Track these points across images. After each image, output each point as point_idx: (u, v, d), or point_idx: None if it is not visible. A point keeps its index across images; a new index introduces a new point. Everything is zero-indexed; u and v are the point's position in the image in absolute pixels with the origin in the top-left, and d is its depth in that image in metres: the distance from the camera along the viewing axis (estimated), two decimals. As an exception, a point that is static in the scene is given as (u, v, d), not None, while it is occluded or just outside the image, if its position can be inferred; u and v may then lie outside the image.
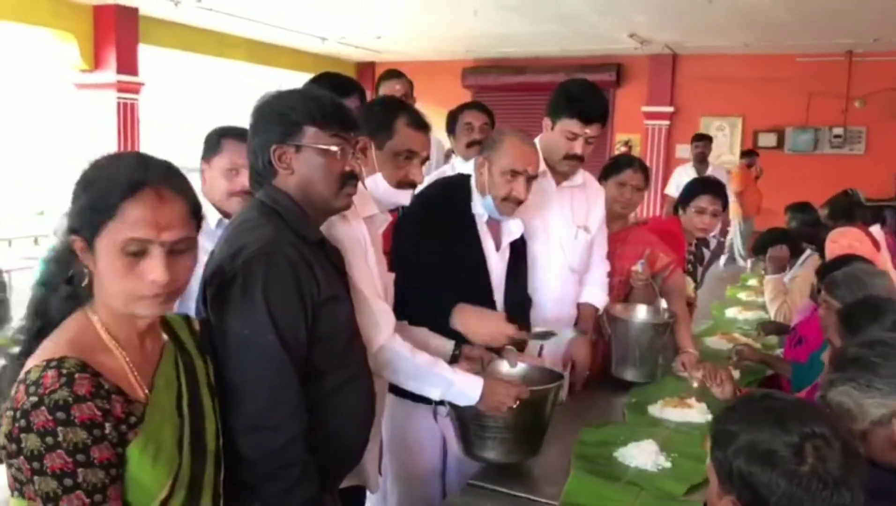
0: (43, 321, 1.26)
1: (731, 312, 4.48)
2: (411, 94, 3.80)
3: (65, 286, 1.27)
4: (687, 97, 10.53)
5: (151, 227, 1.21)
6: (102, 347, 1.25)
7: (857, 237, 4.21)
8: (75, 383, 1.15)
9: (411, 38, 9.80)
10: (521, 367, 2.22)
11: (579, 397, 2.72)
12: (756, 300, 4.78)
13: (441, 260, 2.24)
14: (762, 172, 9.27)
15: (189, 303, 1.64)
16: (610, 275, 2.88)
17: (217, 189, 2.27)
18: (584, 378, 2.74)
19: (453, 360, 2.11)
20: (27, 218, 10.88)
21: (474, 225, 2.34)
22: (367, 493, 2.18)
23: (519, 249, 2.45)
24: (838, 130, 9.82)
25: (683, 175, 6.92)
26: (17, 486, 1.13)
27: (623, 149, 10.40)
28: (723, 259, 8.18)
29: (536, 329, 2.39)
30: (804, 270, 4.11)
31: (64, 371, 1.15)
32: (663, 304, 2.93)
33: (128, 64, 8.36)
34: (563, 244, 2.64)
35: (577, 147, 2.51)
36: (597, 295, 2.78)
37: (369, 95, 2.91)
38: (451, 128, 3.82)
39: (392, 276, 2.09)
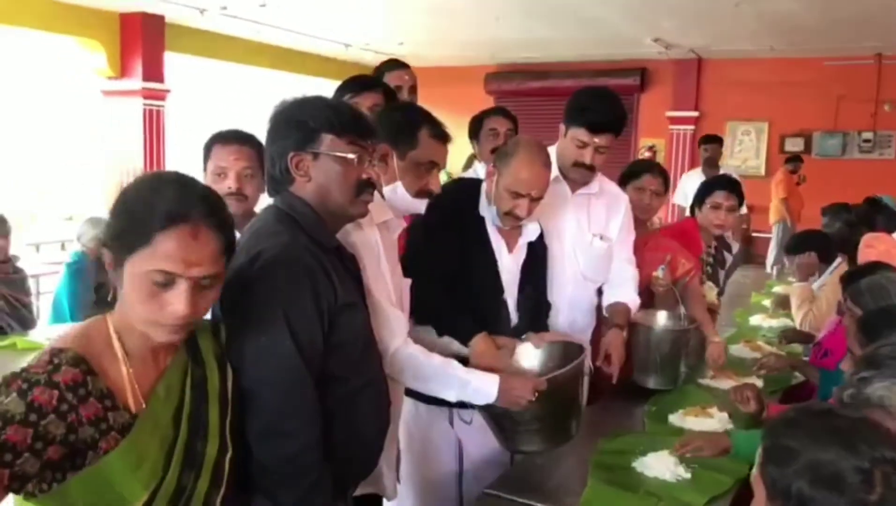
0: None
1: (755, 320, 4.41)
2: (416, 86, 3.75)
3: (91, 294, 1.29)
4: (712, 102, 10.44)
5: (181, 262, 1.22)
6: (110, 355, 1.27)
7: (894, 244, 4.13)
8: (59, 372, 1.18)
9: (434, 44, 9.81)
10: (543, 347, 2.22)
11: (598, 406, 2.70)
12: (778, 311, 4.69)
13: (451, 260, 2.23)
14: (804, 178, 9.03)
15: None
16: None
17: None
18: (619, 370, 2.63)
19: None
20: (55, 223, 11.03)
21: (483, 226, 2.33)
22: (384, 501, 2.16)
23: (538, 251, 2.43)
24: (867, 135, 9.68)
25: (689, 182, 6.31)
26: None
27: (647, 154, 10.27)
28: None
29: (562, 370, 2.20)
30: (833, 277, 4.04)
31: (56, 360, 1.19)
32: (683, 310, 2.89)
33: (154, 71, 8.49)
34: (576, 251, 2.62)
35: (586, 156, 2.49)
36: (628, 295, 2.68)
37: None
38: (474, 133, 3.79)
39: (408, 282, 2.07)
